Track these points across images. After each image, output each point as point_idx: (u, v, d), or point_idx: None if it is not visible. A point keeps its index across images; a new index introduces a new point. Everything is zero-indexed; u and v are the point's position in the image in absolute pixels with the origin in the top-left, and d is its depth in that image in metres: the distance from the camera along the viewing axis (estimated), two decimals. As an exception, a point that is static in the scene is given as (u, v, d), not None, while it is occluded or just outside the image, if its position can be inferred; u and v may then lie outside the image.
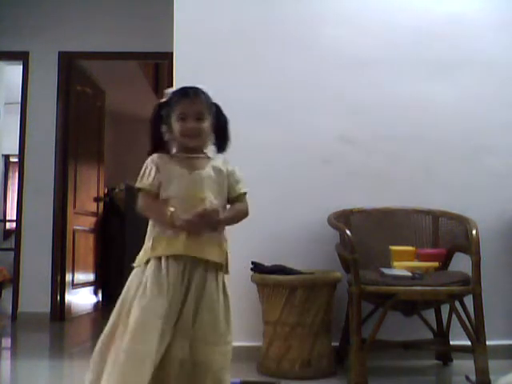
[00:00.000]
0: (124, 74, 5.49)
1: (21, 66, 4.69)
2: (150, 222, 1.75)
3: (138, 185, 1.74)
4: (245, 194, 1.80)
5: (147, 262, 1.69)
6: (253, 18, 3.17)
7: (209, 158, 1.79)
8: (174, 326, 1.63)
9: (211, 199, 1.70)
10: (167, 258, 1.66)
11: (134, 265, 1.73)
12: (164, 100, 1.81)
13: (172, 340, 1.61)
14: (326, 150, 3.08)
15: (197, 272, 1.67)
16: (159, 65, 6.02)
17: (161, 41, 4.00)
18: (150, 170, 1.73)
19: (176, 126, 1.74)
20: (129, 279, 1.72)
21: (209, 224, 1.67)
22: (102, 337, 1.68)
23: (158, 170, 1.72)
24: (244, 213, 1.81)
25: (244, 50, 3.14)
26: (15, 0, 4.69)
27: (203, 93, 1.76)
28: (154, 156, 1.77)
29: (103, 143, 5.51)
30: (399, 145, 3.10)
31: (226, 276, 1.75)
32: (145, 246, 1.73)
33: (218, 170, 1.76)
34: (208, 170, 1.74)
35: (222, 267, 1.72)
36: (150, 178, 1.72)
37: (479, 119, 3.13)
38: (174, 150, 1.80)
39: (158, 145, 1.79)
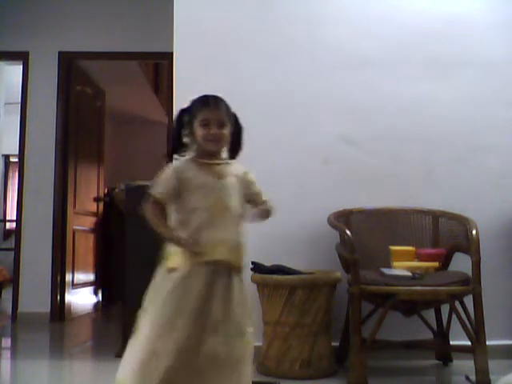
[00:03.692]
0: (124, 74, 5.49)
1: (21, 66, 4.69)
2: (177, 226, 1.78)
3: (151, 191, 1.77)
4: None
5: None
6: (253, 18, 3.18)
7: (227, 163, 1.84)
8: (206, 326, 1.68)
9: (236, 206, 1.77)
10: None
11: (170, 267, 1.77)
12: (186, 107, 1.88)
13: (205, 338, 1.67)
14: (326, 150, 3.08)
15: (224, 271, 1.73)
16: (159, 65, 6.02)
17: (161, 41, 4.00)
18: (167, 180, 1.77)
19: (199, 131, 1.79)
20: (159, 282, 1.76)
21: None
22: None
23: (178, 178, 1.75)
24: (273, 211, 1.88)
25: (244, 50, 3.14)
26: (15, 0, 4.69)
27: (223, 101, 1.84)
28: (177, 163, 1.81)
29: (103, 143, 5.52)
30: (399, 145, 3.10)
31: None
32: (177, 251, 1.75)
33: (239, 179, 1.82)
34: (231, 179, 1.79)
35: (241, 269, 1.79)
36: (164, 188, 1.76)
37: (479, 119, 3.13)
38: (193, 155, 1.83)
39: (178, 147, 1.84)
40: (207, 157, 1.81)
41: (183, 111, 1.87)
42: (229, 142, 1.85)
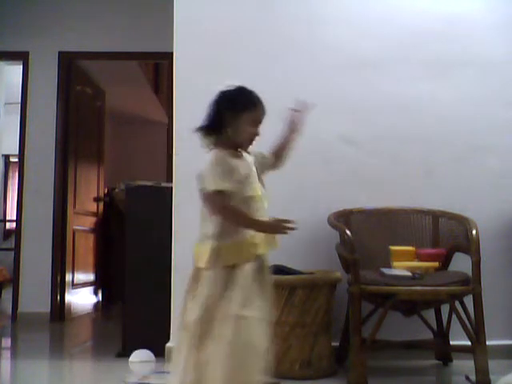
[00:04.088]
0: (124, 74, 5.49)
1: (21, 66, 4.69)
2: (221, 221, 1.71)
3: (219, 186, 1.67)
4: None
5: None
6: (253, 18, 3.17)
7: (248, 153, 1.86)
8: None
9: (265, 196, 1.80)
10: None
11: (224, 264, 1.69)
12: (229, 95, 1.81)
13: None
14: (326, 150, 3.08)
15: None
16: (159, 65, 6.02)
17: (161, 41, 4.00)
18: (223, 171, 1.69)
19: (247, 127, 1.78)
20: (216, 280, 1.69)
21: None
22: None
23: (231, 169, 1.71)
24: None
25: (244, 50, 3.14)
26: (15, 0, 4.69)
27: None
28: (223, 154, 1.73)
29: (103, 143, 5.52)
30: (399, 145, 3.10)
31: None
32: (245, 240, 1.72)
33: (252, 163, 1.84)
34: (253, 167, 1.82)
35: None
36: (228, 179, 1.69)
37: (479, 119, 3.13)
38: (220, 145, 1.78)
39: (211, 131, 1.77)
40: (232, 148, 1.78)
41: (229, 99, 1.79)
42: None
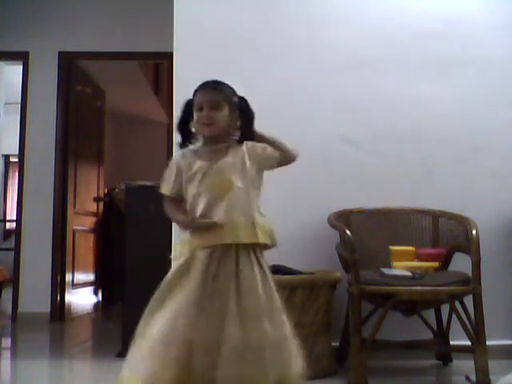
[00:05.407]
0: (124, 74, 5.50)
1: (21, 66, 4.69)
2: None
3: (162, 190, 1.83)
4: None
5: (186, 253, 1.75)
6: (253, 19, 3.17)
7: (229, 147, 1.81)
8: (222, 314, 1.65)
9: (237, 183, 1.74)
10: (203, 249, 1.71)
11: (172, 257, 1.81)
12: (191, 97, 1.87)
13: (223, 326, 1.63)
14: (326, 150, 3.08)
15: (229, 257, 1.70)
16: (159, 65, 6.02)
17: (161, 41, 4.00)
18: (169, 174, 1.81)
19: (195, 116, 1.80)
20: (170, 272, 1.77)
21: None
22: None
23: (179, 170, 1.79)
24: (287, 146, 1.89)
25: (244, 50, 3.14)
26: (15, 0, 4.69)
27: (223, 84, 1.84)
28: (176, 156, 1.85)
29: (103, 143, 5.52)
30: (399, 145, 3.10)
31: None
32: (182, 238, 1.78)
33: (238, 154, 1.79)
34: (229, 158, 1.78)
35: (258, 249, 1.75)
36: (170, 183, 1.80)
37: (479, 119, 3.13)
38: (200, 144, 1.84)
39: (187, 138, 1.84)
40: (210, 143, 1.80)
41: (190, 101, 1.86)
42: (233, 128, 1.81)
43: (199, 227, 1.71)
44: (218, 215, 1.71)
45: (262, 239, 1.74)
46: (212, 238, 1.70)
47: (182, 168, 1.78)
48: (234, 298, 1.66)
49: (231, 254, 1.69)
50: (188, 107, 1.84)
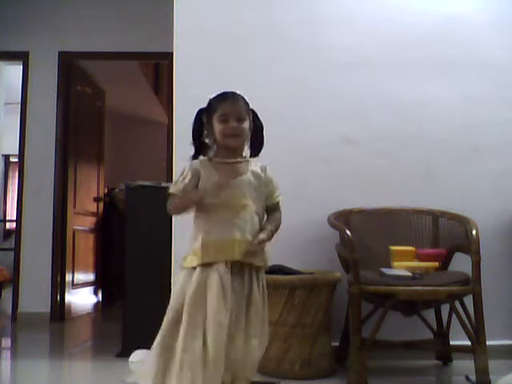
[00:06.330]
0: (124, 74, 5.50)
1: (21, 66, 4.69)
2: (194, 226, 1.82)
3: (171, 189, 1.81)
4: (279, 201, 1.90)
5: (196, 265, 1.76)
6: (253, 19, 3.17)
7: (247, 161, 1.85)
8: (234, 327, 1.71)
9: (250, 202, 1.78)
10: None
11: (184, 266, 1.80)
12: (204, 107, 1.88)
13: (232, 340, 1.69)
14: (326, 150, 3.08)
15: (244, 274, 1.76)
16: (159, 65, 6.02)
17: (161, 41, 4.00)
18: (185, 176, 1.80)
19: (218, 127, 1.80)
20: (179, 283, 1.79)
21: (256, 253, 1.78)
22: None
23: (195, 176, 1.79)
24: (280, 222, 1.91)
25: (244, 50, 3.14)
26: (16, 0, 4.69)
27: (241, 96, 1.86)
28: (196, 162, 1.84)
29: (103, 143, 5.52)
30: (399, 145, 3.10)
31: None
32: (194, 249, 1.78)
33: (257, 176, 1.83)
34: (248, 176, 1.81)
35: (261, 269, 1.83)
36: (183, 184, 1.79)
37: (479, 119, 3.13)
38: (212, 155, 1.86)
39: (201, 150, 1.86)
40: (227, 155, 1.81)
41: (201, 110, 1.87)
42: (248, 139, 1.85)
43: (211, 193, 1.73)
44: (231, 232, 1.74)
45: (267, 263, 1.83)
46: (227, 254, 1.73)
47: (200, 175, 1.79)
48: (244, 311, 1.74)
49: (241, 269, 1.76)
50: (200, 118, 1.85)
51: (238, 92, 1.86)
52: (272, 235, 1.83)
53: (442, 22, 3.17)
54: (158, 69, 6.12)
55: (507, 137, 3.12)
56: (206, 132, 1.85)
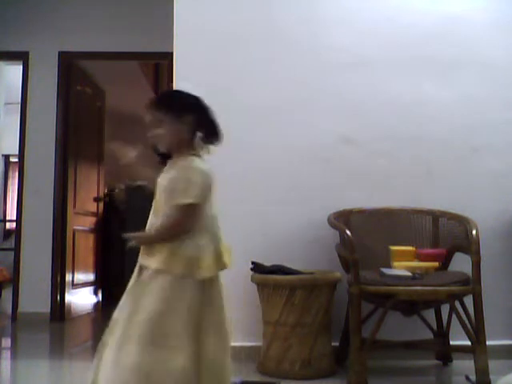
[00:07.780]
0: (124, 74, 5.49)
1: (21, 66, 4.69)
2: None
3: (189, 197, 1.62)
4: (180, 205, 1.63)
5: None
6: (253, 19, 3.17)
7: (171, 163, 1.75)
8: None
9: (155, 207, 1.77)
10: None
11: (184, 274, 1.68)
12: None
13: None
14: (326, 150, 3.08)
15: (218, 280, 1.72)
16: (159, 65, 6.01)
17: (161, 41, 4.00)
18: (204, 186, 1.68)
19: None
20: (172, 291, 1.72)
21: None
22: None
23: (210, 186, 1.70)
24: (164, 228, 1.74)
25: (244, 50, 3.14)
26: (16, 0, 4.69)
27: (163, 96, 1.78)
28: (210, 170, 1.72)
29: (103, 143, 5.51)
30: (399, 145, 3.10)
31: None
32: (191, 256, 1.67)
33: (168, 176, 1.71)
34: (161, 178, 1.75)
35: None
36: (204, 194, 1.66)
37: (479, 119, 3.13)
38: None
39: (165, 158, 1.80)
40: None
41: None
42: (179, 135, 1.68)
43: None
44: (220, 239, 1.70)
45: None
46: (226, 262, 1.69)
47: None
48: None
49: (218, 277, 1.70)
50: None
51: (166, 91, 1.79)
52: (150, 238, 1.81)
53: (442, 22, 3.18)
54: (158, 69, 6.11)
55: (507, 137, 3.12)
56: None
